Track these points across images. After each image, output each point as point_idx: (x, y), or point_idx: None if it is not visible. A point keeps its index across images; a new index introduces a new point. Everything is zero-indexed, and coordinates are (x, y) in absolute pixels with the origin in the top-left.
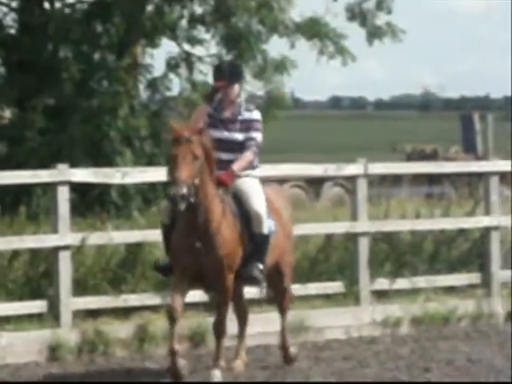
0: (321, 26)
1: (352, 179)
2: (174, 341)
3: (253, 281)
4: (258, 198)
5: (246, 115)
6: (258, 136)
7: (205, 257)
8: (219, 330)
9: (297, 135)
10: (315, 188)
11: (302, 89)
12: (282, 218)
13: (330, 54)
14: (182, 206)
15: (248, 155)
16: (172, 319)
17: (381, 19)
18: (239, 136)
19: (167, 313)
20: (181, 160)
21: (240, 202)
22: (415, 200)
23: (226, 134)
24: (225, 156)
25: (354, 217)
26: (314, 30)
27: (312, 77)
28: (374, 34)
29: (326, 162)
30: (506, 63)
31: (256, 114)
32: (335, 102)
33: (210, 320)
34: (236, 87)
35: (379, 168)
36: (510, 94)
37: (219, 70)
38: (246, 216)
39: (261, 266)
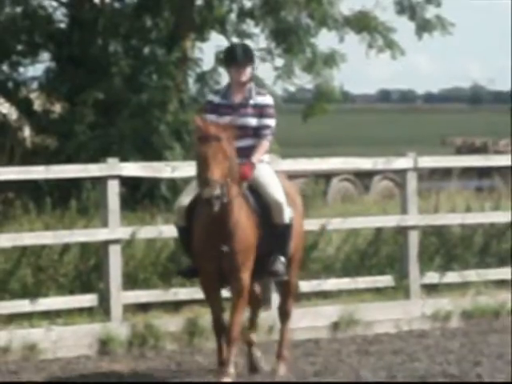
0: (370, 19)
1: (402, 173)
2: (222, 354)
3: (275, 275)
4: (276, 187)
5: (258, 99)
6: (272, 123)
7: (226, 257)
8: (234, 331)
9: (346, 129)
10: (364, 181)
11: (351, 82)
12: (297, 206)
13: (379, 48)
14: (217, 208)
15: (265, 144)
16: (218, 330)
17: (430, 12)
18: (252, 121)
19: (213, 326)
20: (212, 159)
21: (257, 193)
22: (465, 193)
23: (238, 120)
24: (239, 143)
25: (403, 210)
26: (363, 23)
27: (361, 70)
28: (424, 27)
29: (375, 156)
30: None
31: (269, 99)
32: (384, 96)
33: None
34: (248, 70)
35: (429, 161)
36: None
37: (231, 53)
38: (265, 207)
39: (283, 259)
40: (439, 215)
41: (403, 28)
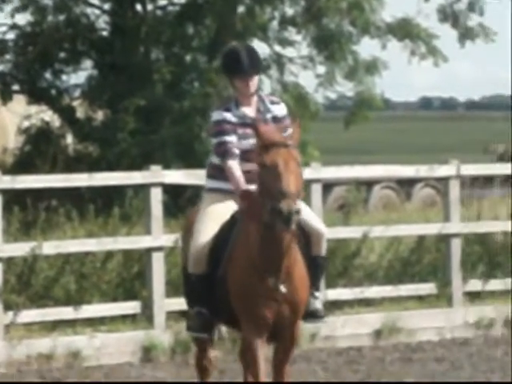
0: (412, 26)
1: (444, 180)
2: None
3: (315, 315)
4: (313, 214)
5: (275, 110)
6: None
7: (284, 302)
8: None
9: (387, 136)
10: (406, 189)
11: (392, 89)
12: None
13: (421, 55)
14: (293, 226)
15: None
16: None
17: (473, 20)
18: None
19: None
20: (285, 168)
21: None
22: (507, 201)
23: None
24: None
25: (446, 218)
26: (405, 30)
27: (402, 78)
28: (466, 35)
29: (416, 163)
30: None
31: (284, 108)
32: (425, 103)
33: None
34: (256, 79)
35: (471, 169)
36: None
37: (235, 62)
38: (303, 236)
39: (320, 295)
40: (482, 223)
41: (445, 35)
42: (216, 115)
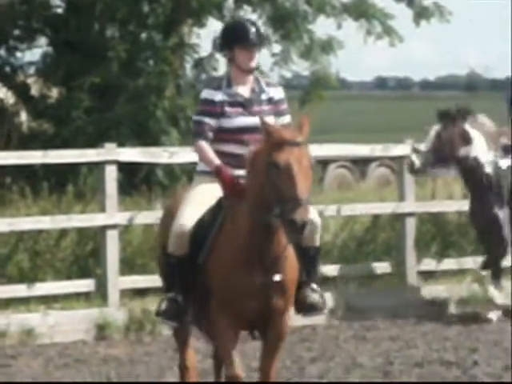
0: (368, 5)
1: (399, 160)
2: None
3: (314, 308)
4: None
5: (270, 92)
6: (290, 121)
7: (272, 295)
8: (272, 379)
9: (342, 115)
10: (361, 168)
11: (348, 69)
12: None
13: (377, 35)
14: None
15: None
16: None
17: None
18: (270, 121)
19: (217, 363)
20: (298, 170)
21: None
22: (462, 181)
23: (251, 121)
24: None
25: (400, 197)
26: (361, 10)
27: (358, 57)
28: (421, 14)
29: (371, 143)
30: None
31: (281, 91)
32: (380, 83)
33: None
34: (257, 55)
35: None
36: None
37: (241, 31)
38: None
39: (317, 287)
40: (436, 202)
41: (400, 15)
42: (204, 93)
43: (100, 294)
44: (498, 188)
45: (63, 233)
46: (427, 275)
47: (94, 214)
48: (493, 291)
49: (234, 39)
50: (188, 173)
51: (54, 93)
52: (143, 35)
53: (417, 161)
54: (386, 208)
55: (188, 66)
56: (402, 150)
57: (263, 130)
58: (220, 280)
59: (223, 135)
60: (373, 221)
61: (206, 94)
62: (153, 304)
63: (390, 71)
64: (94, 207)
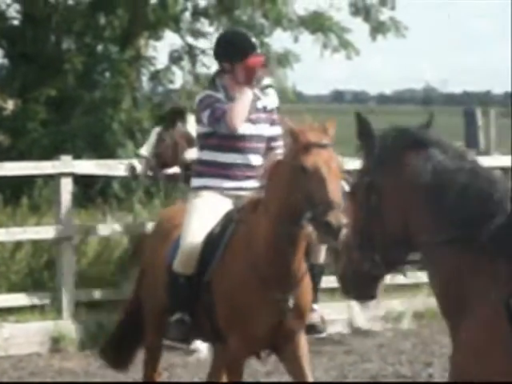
0: (325, 19)
1: (354, 173)
2: None
3: (315, 330)
4: None
5: (265, 100)
6: (281, 132)
7: (289, 313)
8: None
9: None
10: None
11: (304, 82)
12: None
13: (333, 48)
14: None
15: None
16: None
17: (384, 14)
18: (265, 130)
19: None
20: (329, 173)
21: None
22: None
23: (252, 129)
24: (254, 160)
25: None
26: (317, 23)
27: (314, 71)
28: (378, 29)
29: None
30: (506, 58)
31: (275, 100)
32: (337, 96)
33: None
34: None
35: None
36: (510, 90)
37: (248, 40)
38: None
39: (317, 308)
40: None
41: (357, 29)
42: (204, 93)
43: (55, 307)
44: None
45: (18, 245)
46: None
47: (49, 227)
48: None
49: (236, 51)
50: (144, 186)
51: (10, 105)
52: (99, 47)
53: (139, 165)
54: None
55: (144, 79)
56: (354, 164)
57: (288, 133)
58: (230, 298)
59: (223, 142)
60: None
61: (208, 92)
62: (107, 317)
63: (347, 84)
64: (49, 219)
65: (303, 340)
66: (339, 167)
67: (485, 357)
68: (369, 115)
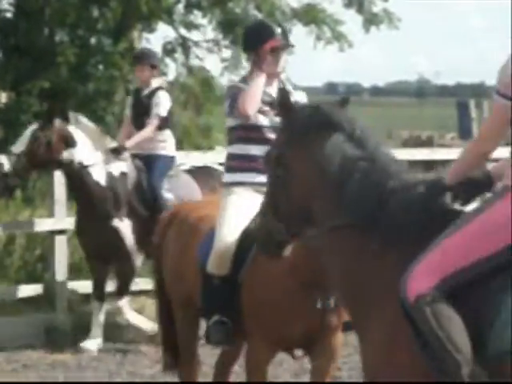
0: (318, 11)
1: None
2: None
3: (350, 327)
4: None
5: (296, 95)
6: None
7: (327, 313)
8: None
9: None
10: None
11: (298, 75)
12: None
13: (327, 40)
14: None
15: None
16: None
17: (377, 6)
18: None
19: None
20: None
21: None
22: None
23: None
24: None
25: None
26: (311, 15)
27: (308, 63)
28: (371, 20)
29: None
30: (497, 51)
31: (304, 96)
32: (331, 88)
33: None
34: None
35: None
36: None
37: (267, 26)
38: None
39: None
40: None
41: (350, 21)
42: (232, 83)
43: (48, 300)
44: (114, 196)
45: (11, 238)
46: None
47: (43, 219)
48: None
49: (257, 40)
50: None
51: (3, 97)
52: (93, 40)
53: (7, 163)
54: None
55: None
56: None
57: None
58: (262, 299)
59: (250, 134)
60: None
61: (232, 84)
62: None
63: (340, 77)
64: (43, 212)
65: (339, 338)
66: None
67: (393, 355)
68: (363, 107)
